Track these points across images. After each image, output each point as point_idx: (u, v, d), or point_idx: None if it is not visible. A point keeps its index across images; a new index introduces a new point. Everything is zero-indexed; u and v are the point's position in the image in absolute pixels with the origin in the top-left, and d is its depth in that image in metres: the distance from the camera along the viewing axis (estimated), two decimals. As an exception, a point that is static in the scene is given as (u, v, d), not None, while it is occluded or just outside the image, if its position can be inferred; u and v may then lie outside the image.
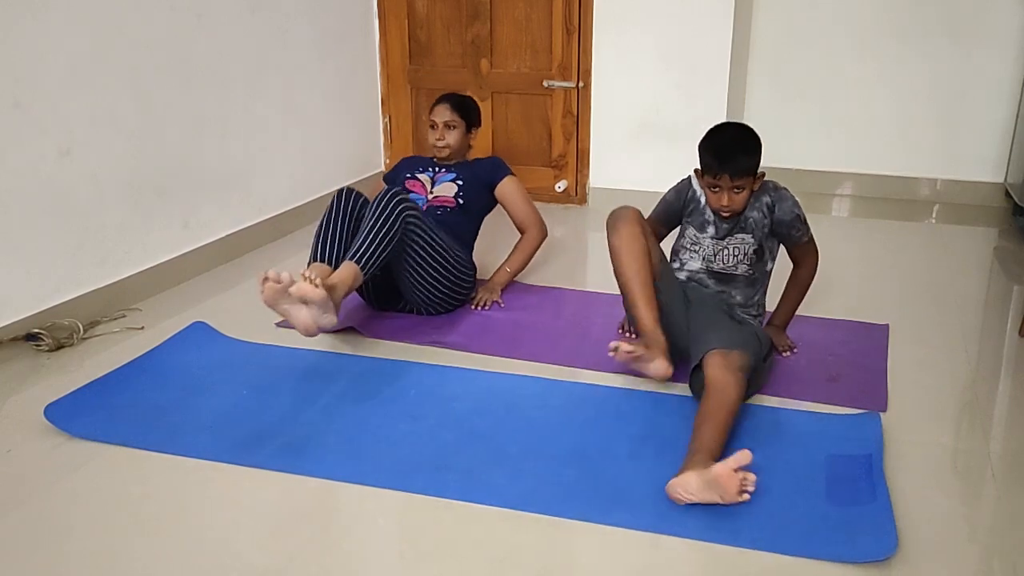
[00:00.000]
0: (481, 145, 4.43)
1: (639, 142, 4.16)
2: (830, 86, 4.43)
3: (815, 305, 2.89)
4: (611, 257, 2.35)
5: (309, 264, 2.59)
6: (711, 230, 2.43)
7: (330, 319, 2.35)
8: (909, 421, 2.20)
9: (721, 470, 1.77)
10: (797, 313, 2.64)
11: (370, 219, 2.53)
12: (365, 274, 2.49)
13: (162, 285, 3.12)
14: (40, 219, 2.66)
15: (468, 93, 4.33)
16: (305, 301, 2.30)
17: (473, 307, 2.92)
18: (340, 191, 2.71)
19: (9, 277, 2.59)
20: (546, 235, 3.10)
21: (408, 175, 3.10)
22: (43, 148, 2.65)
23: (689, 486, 1.80)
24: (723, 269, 2.43)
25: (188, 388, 2.38)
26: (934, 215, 4.25)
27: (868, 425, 2.13)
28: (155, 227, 3.11)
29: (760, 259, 2.43)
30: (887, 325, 2.79)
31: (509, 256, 3.07)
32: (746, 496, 1.79)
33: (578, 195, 4.39)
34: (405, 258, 2.65)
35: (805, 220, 2.44)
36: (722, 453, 1.90)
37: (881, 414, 2.20)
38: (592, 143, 4.27)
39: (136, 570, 1.67)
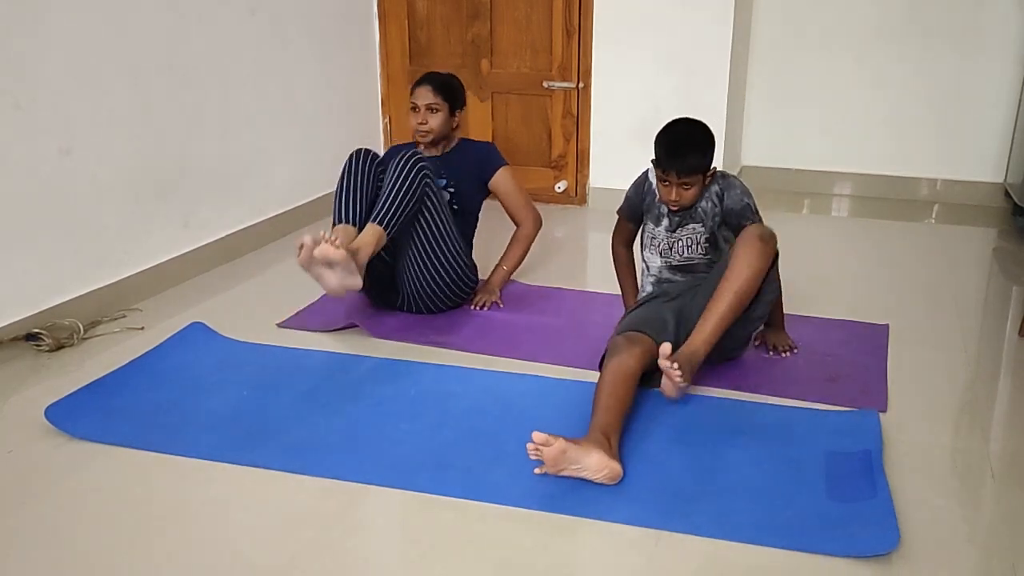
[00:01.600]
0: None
1: (639, 143, 4.12)
2: (830, 86, 4.44)
3: (815, 305, 2.89)
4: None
5: (333, 226, 2.64)
6: (664, 223, 2.46)
7: (355, 280, 2.41)
8: (909, 421, 2.20)
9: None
10: (796, 313, 2.64)
11: (390, 179, 2.57)
12: (389, 234, 2.55)
13: (162, 285, 3.12)
14: (40, 219, 2.67)
15: (468, 94, 4.36)
16: (329, 263, 2.35)
17: (472, 307, 2.93)
18: (355, 151, 2.74)
19: (9, 277, 2.59)
20: (540, 225, 3.04)
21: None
22: (43, 148, 2.65)
23: (672, 391, 2.11)
24: (681, 262, 2.45)
25: (188, 388, 2.38)
26: (934, 215, 4.26)
27: (866, 421, 2.14)
28: (155, 227, 3.12)
29: (715, 247, 2.44)
30: (887, 325, 2.79)
31: (505, 253, 3.04)
32: (676, 372, 2.04)
33: (578, 195, 4.39)
34: (413, 231, 2.67)
35: (756, 209, 2.43)
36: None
37: (881, 414, 2.20)
38: (592, 143, 4.27)
39: (137, 570, 1.67)
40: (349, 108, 4.32)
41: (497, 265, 3.04)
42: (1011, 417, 2.30)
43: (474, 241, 3.06)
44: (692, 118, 2.39)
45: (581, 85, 4.21)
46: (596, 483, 1.88)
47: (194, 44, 3.21)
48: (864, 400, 2.29)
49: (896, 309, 2.94)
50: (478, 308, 2.92)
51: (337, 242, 2.35)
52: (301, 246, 2.37)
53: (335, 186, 2.74)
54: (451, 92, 2.93)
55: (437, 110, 2.89)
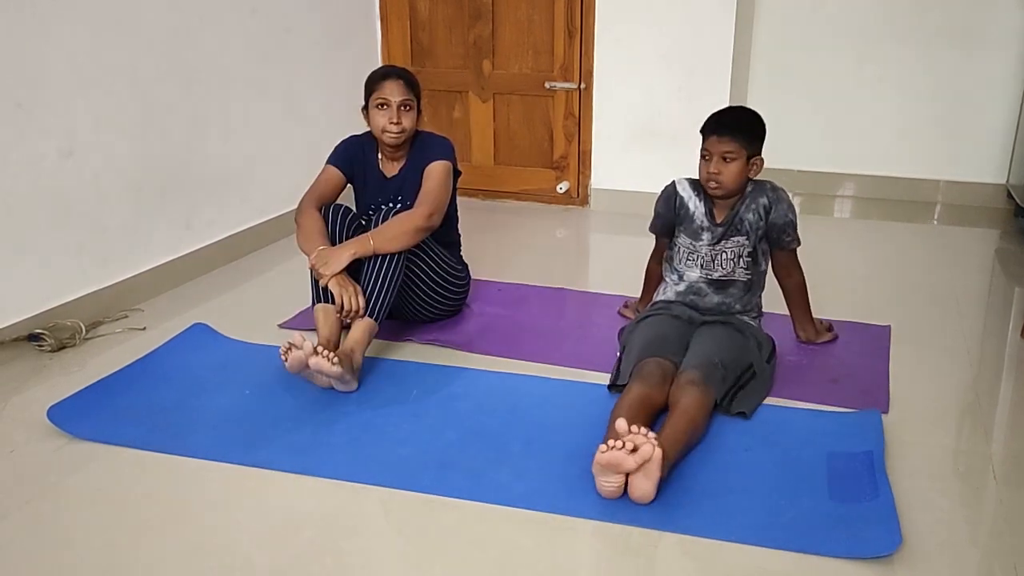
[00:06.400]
0: (483, 147, 4.44)
1: (640, 144, 4.16)
2: (832, 88, 4.44)
3: (817, 306, 2.88)
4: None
5: (313, 303, 2.49)
6: (706, 236, 2.42)
7: (351, 386, 2.33)
8: (911, 422, 2.20)
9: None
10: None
11: (370, 270, 2.44)
12: (379, 321, 2.45)
13: (164, 286, 3.12)
14: (42, 220, 2.67)
15: (470, 95, 4.38)
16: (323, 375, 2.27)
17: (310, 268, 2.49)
18: (328, 208, 2.56)
19: (11, 277, 2.59)
20: (429, 226, 2.52)
21: (373, 206, 2.73)
22: (45, 149, 2.65)
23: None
24: (722, 276, 2.41)
25: (191, 389, 2.38)
26: (936, 216, 4.25)
27: (868, 422, 2.14)
28: (157, 228, 3.12)
29: (755, 262, 2.43)
30: (889, 326, 2.79)
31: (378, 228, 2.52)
32: (647, 446, 1.75)
33: (580, 196, 4.39)
34: (409, 287, 2.62)
35: (796, 227, 2.44)
36: (677, 459, 1.93)
37: (883, 415, 2.20)
38: (594, 144, 4.27)
39: (139, 571, 1.67)
40: (350, 109, 4.28)
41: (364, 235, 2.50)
42: (1013, 418, 2.30)
43: (462, 241, 2.93)
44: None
45: (583, 86, 4.21)
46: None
47: (196, 45, 3.22)
48: (866, 402, 2.29)
49: (898, 310, 2.94)
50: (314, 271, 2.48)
51: (334, 359, 2.20)
52: (288, 349, 2.23)
53: None
54: (418, 87, 2.67)
55: (410, 108, 2.60)
